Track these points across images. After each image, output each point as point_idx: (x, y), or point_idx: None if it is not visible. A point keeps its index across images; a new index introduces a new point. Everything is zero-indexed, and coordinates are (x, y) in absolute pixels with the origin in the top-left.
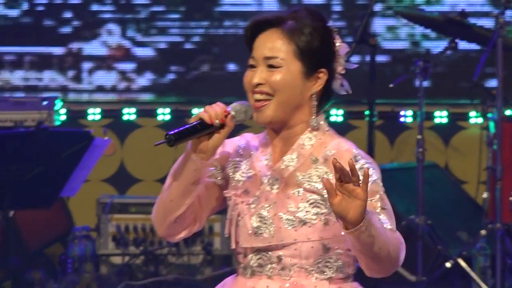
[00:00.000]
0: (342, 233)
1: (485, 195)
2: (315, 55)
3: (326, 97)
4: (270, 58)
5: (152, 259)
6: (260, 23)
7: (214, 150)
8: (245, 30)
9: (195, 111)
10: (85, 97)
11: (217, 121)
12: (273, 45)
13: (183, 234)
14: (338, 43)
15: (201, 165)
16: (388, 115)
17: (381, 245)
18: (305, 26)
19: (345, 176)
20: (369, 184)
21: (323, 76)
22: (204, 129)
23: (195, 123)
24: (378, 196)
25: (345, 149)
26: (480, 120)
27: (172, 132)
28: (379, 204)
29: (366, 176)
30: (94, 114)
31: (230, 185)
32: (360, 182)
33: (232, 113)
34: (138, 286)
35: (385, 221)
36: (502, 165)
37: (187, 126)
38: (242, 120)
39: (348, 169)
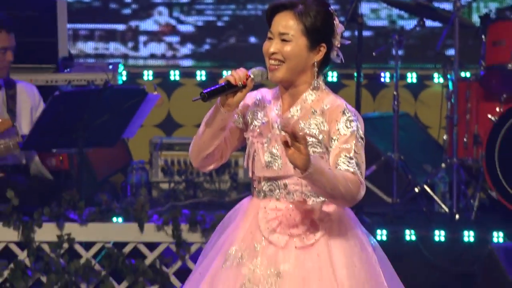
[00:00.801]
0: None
1: (444, 137)
2: (318, 33)
3: (324, 64)
4: (283, 34)
5: (191, 185)
6: (278, 6)
7: (237, 104)
8: (267, 11)
9: (225, 73)
10: (140, 62)
11: (240, 82)
12: (287, 23)
13: (212, 167)
14: (336, 23)
15: (227, 116)
16: (371, 77)
17: (332, 186)
18: (311, 9)
19: (295, 137)
20: (345, 135)
21: (323, 49)
22: (230, 88)
23: (223, 83)
24: (353, 142)
25: (337, 104)
26: (441, 80)
27: (205, 91)
28: (353, 149)
29: (303, 138)
30: (147, 75)
31: (248, 128)
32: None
33: (252, 76)
34: (180, 206)
35: (351, 165)
36: (457, 114)
37: (217, 86)
38: (259, 81)
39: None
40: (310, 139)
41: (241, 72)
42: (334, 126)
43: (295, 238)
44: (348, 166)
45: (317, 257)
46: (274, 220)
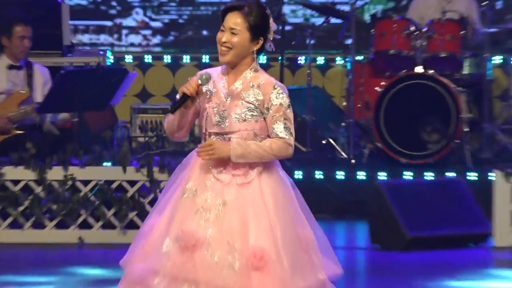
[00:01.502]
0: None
1: (344, 103)
2: (258, 29)
3: (260, 52)
4: (233, 28)
5: (160, 139)
6: (230, 7)
7: (194, 104)
8: (222, 10)
9: (184, 57)
10: (123, 49)
11: (194, 93)
12: (235, 21)
13: (183, 139)
14: (271, 22)
15: (188, 112)
16: (291, 59)
17: (260, 158)
18: (254, 11)
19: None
20: (277, 104)
21: (261, 41)
22: (187, 98)
23: (182, 97)
24: (282, 111)
25: (270, 81)
26: (342, 62)
27: (171, 107)
28: (283, 117)
29: (206, 145)
30: (128, 59)
31: (203, 97)
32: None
33: (200, 83)
34: (152, 154)
35: (281, 131)
36: (353, 87)
37: (177, 100)
38: (205, 84)
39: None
40: (248, 105)
41: (193, 83)
42: (268, 97)
43: (236, 177)
44: (280, 130)
45: (252, 190)
46: (222, 163)
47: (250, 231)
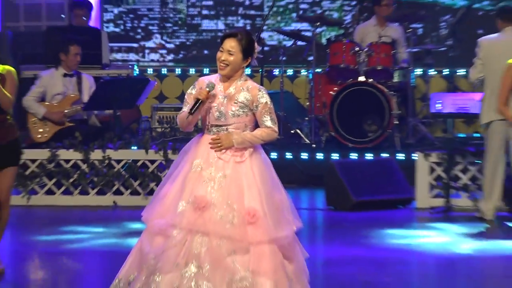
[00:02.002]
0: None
1: (307, 103)
2: (247, 51)
3: (248, 67)
4: (230, 50)
5: (173, 129)
6: (228, 34)
7: (204, 105)
8: (222, 36)
9: (191, 69)
10: (145, 64)
11: (206, 98)
12: (232, 44)
13: (189, 131)
14: (256, 46)
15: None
16: (269, 71)
17: (253, 143)
18: (244, 38)
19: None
20: (263, 102)
21: (249, 60)
22: (200, 102)
23: (196, 101)
24: (267, 107)
25: (255, 85)
26: (305, 73)
27: (190, 111)
28: (268, 111)
29: (216, 139)
30: (149, 71)
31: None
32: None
33: (208, 90)
34: (167, 140)
35: (269, 120)
36: (314, 91)
37: (194, 104)
38: (211, 90)
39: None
40: (241, 104)
41: (203, 91)
42: (255, 98)
43: (234, 157)
44: (268, 121)
45: (245, 167)
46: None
47: (245, 196)
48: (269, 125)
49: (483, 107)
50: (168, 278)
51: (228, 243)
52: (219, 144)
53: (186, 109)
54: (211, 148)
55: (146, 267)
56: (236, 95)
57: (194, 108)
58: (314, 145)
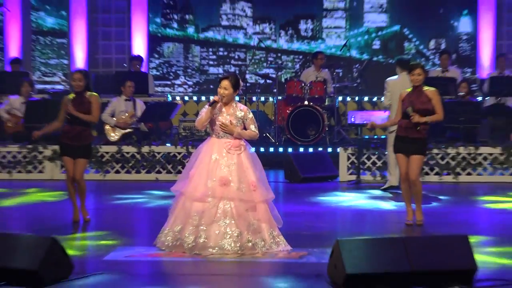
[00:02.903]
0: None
1: (273, 118)
2: (236, 87)
3: (237, 95)
4: (225, 87)
5: (193, 133)
6: (223, 77)
7: (214, 109)
8: (219, 79)
9: (203, 97)
10: (174, 93)
11: (217, 101)
12: (225, 83)
13: (202, 130)
14: (241, 83)
15: (213, 112)
16: (249, 98)
17: (245, 137)
18: (233, 79)
19: (225, 126)
20: (250, 117)
21: (237, 91)
22: (215, 103)
23: (213, 101)
24: (253, 120)
25: (244, 106)
26: (272, 99)
27: (210, 104)
28: (253, 122)
29: (229, 126)
30: (177, 98)
31: (215, 112)
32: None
33: (219, 97)
34: (189, 140)
35: (254, 128)
36: (277, 111)
37: (211, 102)
38: (219, 100)
39: (228, 123)
40: (237, 118)
41: (216, 97)
42: (246, 114)
43: (235, 151)
44: (253, 127)
45: (243, 156)
46: (229, 144)
47: (248, 175)
48: (253, 130)
49: (388, 121)
50: (211, 227)
51: (243, 203)
52: (226, 129)
53: (202, 112)
54: (221, 130)
55: (191, 221)
56: (234, 113)
57: (212, 104)
58: (277, 143)
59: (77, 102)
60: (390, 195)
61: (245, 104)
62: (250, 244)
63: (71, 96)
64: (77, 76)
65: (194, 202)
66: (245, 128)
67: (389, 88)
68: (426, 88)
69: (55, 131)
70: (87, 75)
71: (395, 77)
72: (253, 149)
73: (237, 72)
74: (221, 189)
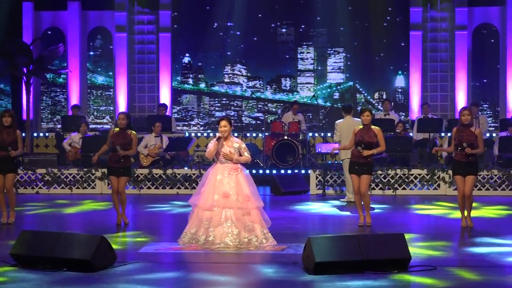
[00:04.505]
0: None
1: (262, 148)
2: (231, 124)
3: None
4: (224, 126)
5: (204, 160)
6: (222, 118)
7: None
8: (218, 120)
9: (211, 134)
10: (190, 131)
11: (222, 137)
12: (224, 123)
13: (210, 159)
14: (232, 122)
15: (218, 145)
16: (243, 135)
17: (243, 161)
18: (228, 119)
19: (226, 155)
20: (244, 147)
21: (232, 127)
22: (221, 138)
23: (219, 137)
24: (246, 148)
25: (239, 140)
26: (261, 135)
27: (217, 140)
28: (246, 150)
29: (229, 154)
30: (192, 134)
31: (219, 145)
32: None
33: (222, 136)
34: (200, 164)
35: (247, 154)
36: (265, 143)
37: (217, 138)
38: (222, 138)
39: (228, 152)
40: (234, 149)
41: (220, 134)
42: (241, 145)
43: (234, 172)
44: (247, 153)
45: (240, 176)
46: (229, 167)
47: (243, 189)
48: (247, 155)
49: (340, 152)
50: (217, 229)
51: (240, 210)
52: (228, 157)
53: (210, 145)
54: (224, 158)
55: (203, 225)
56: (232, 145)
57: (217, 138)
58: (265, 167)
59: (121, 136)
60: (346, 204)
61: (241, 139)
62: (246, 239)
63: (116, 129)
64: (121, 116)
65: (205, 211)
66: (240, 155)
67: (338, 128)
68: (373, 126)
69: (104, 154)
70: (129, 116)
71: (342, 120)
72: (247, 171)
73: (236, 115)
74: (224, 200)
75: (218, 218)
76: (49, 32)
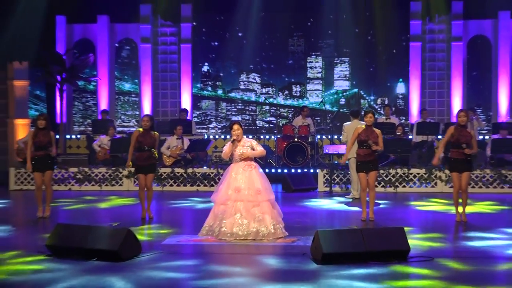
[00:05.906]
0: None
1: (274, 149)
2: (242, 127)
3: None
4: (237, 129)
5: (220, 161)
6: (234, 123)
7: (235, 146)
8: (230, 124)
9: (228, 136)
10: (209, 133)
11: (236, 139)
12: (237, 127)
13: (226, 160)
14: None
15: (233, 148)
16: (257, 137)
17: (258, 154)
18: (239, 122)
19: (243, 155)
20: (256, 143)
21: (243, 129)
22: (235, 141)
23: (233, 139)
24: (258, 144)
25: (249, 139)
26: (274, 137)
27: (232, 141)
28: (258, 144)
29: (245, 154)
30: (211, 136)
31: (234, 147)
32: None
33: (237, 139)
34: (219, 164)
35: (260, 148)
36: (276, 145)
37: (232, 140)
38: (237, 139)
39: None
40: (248, 147)
41: (234, 137)
42: (252, 143)
43: (248, 167)
44: (260, 148)
45: (254, 172)
46: (243, 164)
47: (255, 184)
48: (260, 149)
49: (346, 152)
50: (229, 220)
51: (250, 203)
52: (244, 156)
53: (226, 147)
54: (240, 158)
55: (218, 218)
56: (244, 145)
57: (232, 141)
58: (277, 166)
59: (146, 136)
60: (351, 201)
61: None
62: (254, 229)
63: (140, 130)
64: (146, 118)
65: (220, 205)
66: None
67: (345, 129)
68: (374, 128)
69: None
70: (152, 119)
71: (349, 122)
72: (261, 170)
73: (250, 119)
74: (236, 194)
75: (230, 210)
76: (81, 43)
